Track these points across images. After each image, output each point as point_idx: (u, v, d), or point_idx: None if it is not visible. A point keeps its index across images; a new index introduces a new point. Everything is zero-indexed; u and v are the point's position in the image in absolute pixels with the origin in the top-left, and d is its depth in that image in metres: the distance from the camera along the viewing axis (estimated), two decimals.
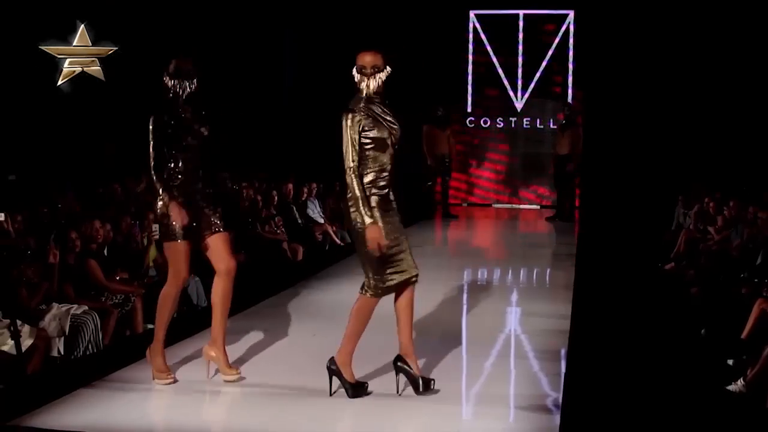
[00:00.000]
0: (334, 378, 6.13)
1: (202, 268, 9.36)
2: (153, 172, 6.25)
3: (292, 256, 11.56)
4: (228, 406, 6.24)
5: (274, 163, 15.56)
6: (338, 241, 12.84)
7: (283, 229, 11.80)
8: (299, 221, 12.71)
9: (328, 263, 11.43)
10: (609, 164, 17.38)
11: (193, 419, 5.92)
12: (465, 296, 9.90)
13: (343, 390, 6.16)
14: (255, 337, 7.81)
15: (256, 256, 10.70)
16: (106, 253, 8.78)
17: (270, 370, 6.90)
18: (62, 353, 7.46)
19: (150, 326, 8.35)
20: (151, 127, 6.26)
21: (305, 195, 13.29)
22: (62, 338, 7.47)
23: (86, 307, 7.74)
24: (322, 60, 17.18)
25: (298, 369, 6.89)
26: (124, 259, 8.99)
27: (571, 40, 18.40)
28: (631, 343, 7.98)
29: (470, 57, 18.77)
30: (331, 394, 6.15)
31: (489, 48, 18.63)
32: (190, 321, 8.39)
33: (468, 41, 18.72)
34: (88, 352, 7.48)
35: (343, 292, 9.53)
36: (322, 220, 13.18)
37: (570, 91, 18.39)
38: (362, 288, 6.11)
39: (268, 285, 9.67)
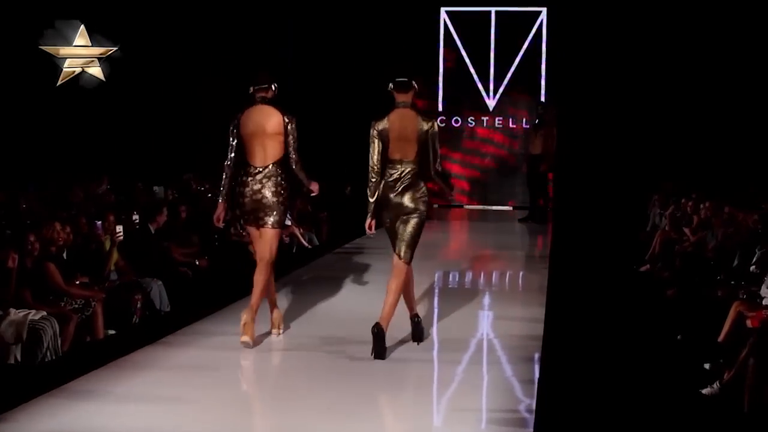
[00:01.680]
0: (378, 341, 7.05)
1: (167, 272, 9.37)
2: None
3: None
4: (191, 415, 6.17)
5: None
6: (305, 243, 12.77)
7: (248, 232, 11.66)
8: None
9: (295, 266, 11.37)
10: (583, 164, 17.45)
11: (154, 428, 5.85)
12: (435, 300, 9.85)
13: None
14: (220, 341, 7.73)
15: (220, 260, 10.62)
16: (65, 257, 8.67)
17: (234, 377, 6.84)
18: (20, 360, 7.35)
19: (111, 332, 8.30)
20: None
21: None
22: (19, 345, 7.36)
23: (44, 313, 7.62)
24: (294, 58, 17.34)
25: (264, 375, 6.83)
26: (84, 263, 8.88)
27: (544, 38, 18.46)
28: (606, 347, 7.97)
29: (441, 55, 18.78)
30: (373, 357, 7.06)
31: (460, 45, 18.64)
32: (152, 327, 8.32)
33: (439, 39, 18.74)
34: (46, 360, 7.38)
35: (309, 295, 9.51)
36: (289, 222, 13.08)
37: (543, 90, 18.42)
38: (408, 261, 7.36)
39: (232, 289, 9.58)
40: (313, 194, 8.05)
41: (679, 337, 8.33)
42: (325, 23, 17.81)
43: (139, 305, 8.71)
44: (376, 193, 7.38)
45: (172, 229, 10.45)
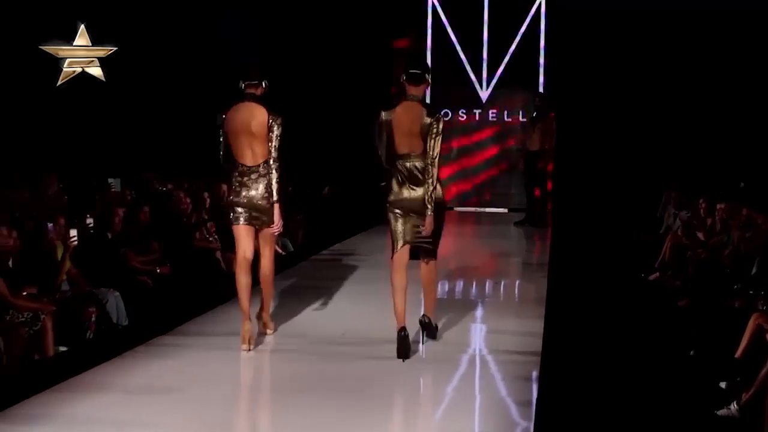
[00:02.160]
0: (426, 330, 8.08)
1: (125, 282, 9.29)
2: None
3: (227, 266, 11.39)
4: None
5: (206, 161, 15.52)
6: (278, 249, 12.68)
7: (216, 237, 11.66)
8: None
9: None
10: (585, 161, 17.44)
11: None
12: (423, 312, 9.77)
13: None
14: (185, 358, 7.68)
15: (185, 268, 10.57)
16: (11, 265, 8.57)
17: (200, 399, 6.76)
18: None
19: (62, 349, 8.20)
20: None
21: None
22: None
23: None
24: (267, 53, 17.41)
25: (234, 397, 6.78)
26: (32, 271, 8.79)
27: (542, 23, 18.43)
28: (610, 364, 7.95)
29: (429, 42, 18.75)
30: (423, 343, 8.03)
31: (450, 32, 18.61)
32: (109, 343, 8.25)
33: (427, 25, 18.70)
34: None
35: (283, 306, 9.44)
36: None
37: (541, 80, 18.40)
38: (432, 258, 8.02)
39: (199, 300, 9.52)
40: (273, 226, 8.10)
41: (692, 352, 8.32)
42: (299, 16, 17.93)
43: (93, 318, 8.64)
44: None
45: (131, 234, 10.36)
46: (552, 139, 16.57)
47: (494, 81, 18.58)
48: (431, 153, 7.57)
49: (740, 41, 16.76)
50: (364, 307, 9.64)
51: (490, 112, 18.70)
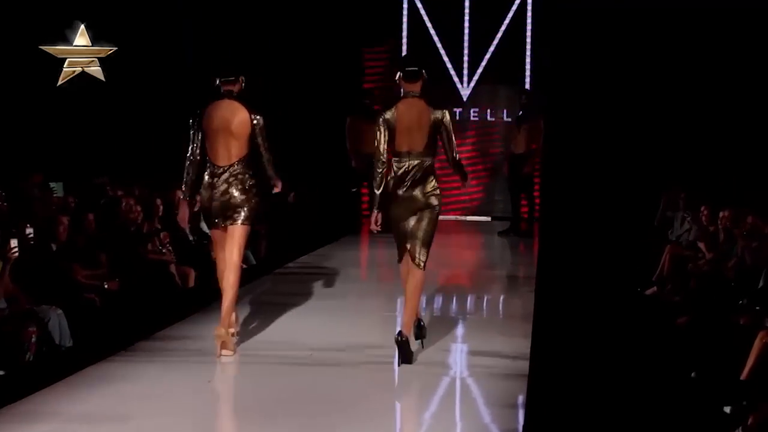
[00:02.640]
0: (403, 348, 7.97)
1: (68, 299, 9.22)
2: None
3: (182, 281, 11.37)
4: None
5: (159, 164, 15.51)
6: None
7: (170, 248, 11.66)
8: (190, 237, 12.53)
9: None
10: (576, 165, 17.45)
11: None
12: (398, 330, 9.76)
13: None
14: (134, 384, 7.62)
15: (136, 283, 10.53)
16: None
17: (148, 426, 6.72)
18: None
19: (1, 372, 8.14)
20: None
21: (198, 204, 13.06)
22: None
23: None
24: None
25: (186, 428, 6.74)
26: None
27: (528, 14, 18.46)
28: (605, 389, 7.95)
29: (405, 34, 18.74)
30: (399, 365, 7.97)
31: (428, 23, 18.59)
32: (50, 366, 8.18)
33: (402, 16, 18.69)
34: None
35: (246, 325, 9.43)
36: None
37: (528, 77, 18.43)
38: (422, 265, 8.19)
39: (150, 319, 9.48)
40: (275, 191, 8.73)
41: (693, 374, 8.34)
42: (268, 16, 18.09)
43: (33, 339, 8.54)
44: (382, 185, 8.19)
45: (75, 246, 10.29)
46: (539, 140, 16.59)
47: (476, 77, 18.58)
48: (451, 147, 8.28)
49: (739, 39, 16.83)
50: (333, 326, 9.62)
51: (472, 110, 18.70)
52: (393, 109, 8.16)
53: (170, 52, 17.56)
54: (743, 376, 7.62)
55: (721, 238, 10.95)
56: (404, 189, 8.16)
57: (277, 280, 12.32)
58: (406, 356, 7.99)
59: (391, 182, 8.19)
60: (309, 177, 16.65)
